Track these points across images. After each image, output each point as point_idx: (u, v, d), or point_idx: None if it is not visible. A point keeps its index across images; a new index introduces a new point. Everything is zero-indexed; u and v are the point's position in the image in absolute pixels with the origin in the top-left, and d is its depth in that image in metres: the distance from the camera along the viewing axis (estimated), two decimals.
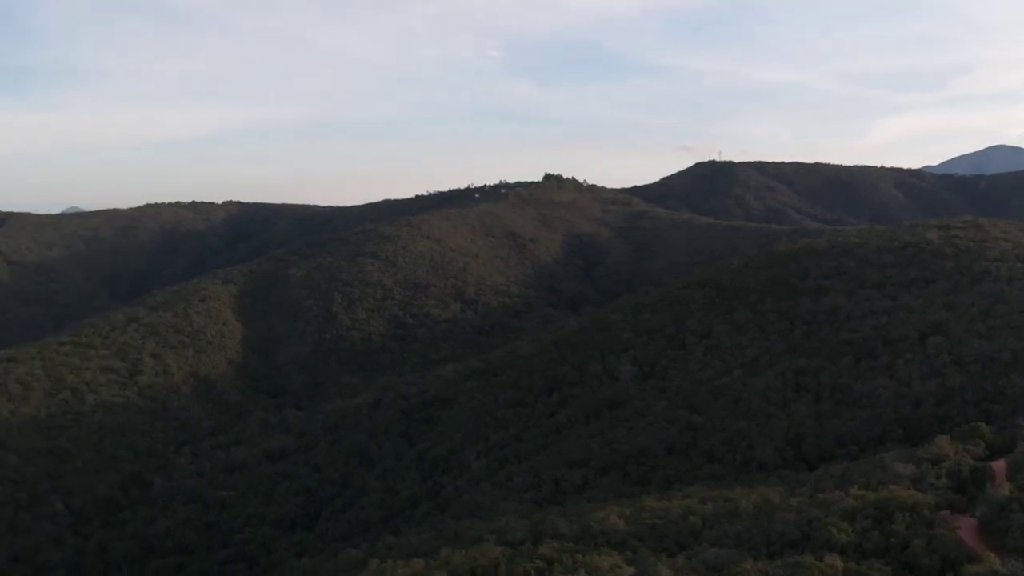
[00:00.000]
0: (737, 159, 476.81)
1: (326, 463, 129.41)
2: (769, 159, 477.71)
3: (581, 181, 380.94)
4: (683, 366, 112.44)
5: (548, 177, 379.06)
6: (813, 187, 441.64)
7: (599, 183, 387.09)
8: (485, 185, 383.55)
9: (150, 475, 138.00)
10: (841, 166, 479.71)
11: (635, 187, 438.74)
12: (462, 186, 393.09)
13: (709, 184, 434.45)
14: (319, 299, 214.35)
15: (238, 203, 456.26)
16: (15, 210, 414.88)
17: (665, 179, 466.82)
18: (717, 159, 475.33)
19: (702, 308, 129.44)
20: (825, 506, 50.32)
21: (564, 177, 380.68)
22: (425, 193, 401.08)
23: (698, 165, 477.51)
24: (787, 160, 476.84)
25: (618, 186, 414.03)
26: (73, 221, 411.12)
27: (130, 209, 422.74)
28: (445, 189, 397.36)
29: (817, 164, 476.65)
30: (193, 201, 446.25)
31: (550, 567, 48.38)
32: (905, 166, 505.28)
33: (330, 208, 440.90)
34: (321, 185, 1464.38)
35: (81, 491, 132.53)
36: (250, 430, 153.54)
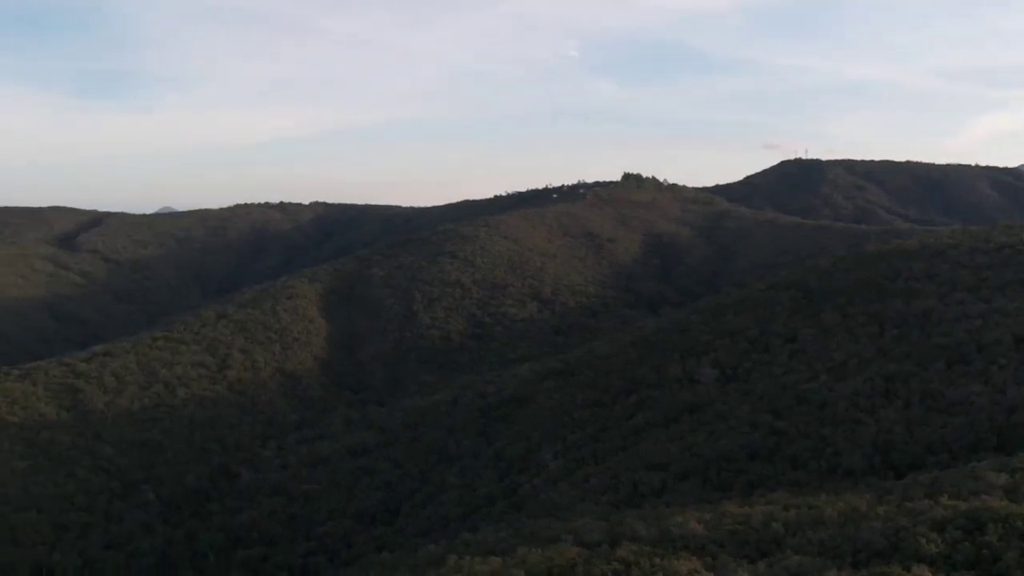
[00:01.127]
0: (824, 157, 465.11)
1: (406, 459, 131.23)
2: (858, 157, 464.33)
3: (661, 180, 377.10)
4: (767, 369, 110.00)
5: (627, 176, 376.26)
6: (904, 186, 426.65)
7: (680, 182, 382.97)
8: (563, 185, 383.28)
9: (237, 467, 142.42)
10: (933, 165, 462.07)
11: (717, 186, 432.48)
12: (540, 186, 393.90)
13: (795, 183, 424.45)
14: (400, 298, 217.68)
15: (324, 204, 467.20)
16: (112, 210, 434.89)
17: (749, 178, 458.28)
18: (804, 157, 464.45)
19: (787, 310, 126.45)
20: (914, 515, 48.69)
21: (644, 176, 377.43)
22: (503, 193, 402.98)
23: (784, 163, 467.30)
24: (877, 158, 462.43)
25: (700, 185, 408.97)
26: (166, 221, 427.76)
27: (221, 209, 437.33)
28: (523, 189, 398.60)
29: (908, 163, 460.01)
30: (281, 202, 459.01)
31: (628, 570, 48.07)
32: (1001, 164, 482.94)
33: (412, 208, 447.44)
34: (404, 186, 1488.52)
35: (172, 482, 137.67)
36: (333, 425, 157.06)
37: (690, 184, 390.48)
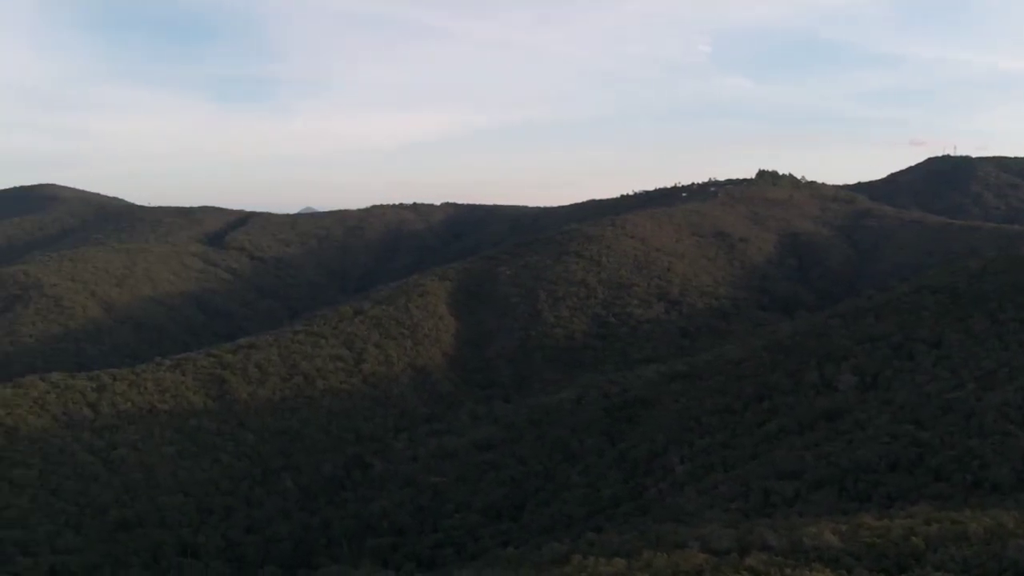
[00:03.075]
0: (975, 154, 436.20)
1: (531, 455, 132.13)
2: (1011, 154, 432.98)
3: (798, 177, 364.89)
4: (910, 377, 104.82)
5: (762, 174, 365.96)
6: None
7: (818, 180, 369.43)
8: (693, 183, 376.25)
9: (370, 458, 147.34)
10: None
11: (859, 184, 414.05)
12: (669, 185, 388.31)
13: (943, 181, 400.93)
14: (525, 296, 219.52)
15: (454, 204, 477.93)
16: (257, 210, 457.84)
17: (893, 175, 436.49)
18: (952, 154, 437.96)
19: (933, 315, 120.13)
20: None
21: (779, 174, 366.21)
22: (630, 193, 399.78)
23: (930, 160, 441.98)
24: None
25: (840, 183, 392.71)
26: (308, 221, 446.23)
27: (358, 210, 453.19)
28: (651, 188, 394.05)
29: None
30: (414, 203, 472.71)
31: None
32: None
33: (539, 208, 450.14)
34: (532, 186, 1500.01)
35: (309, 470, 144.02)
36: (461, 420, 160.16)
37: (830, 182, 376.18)
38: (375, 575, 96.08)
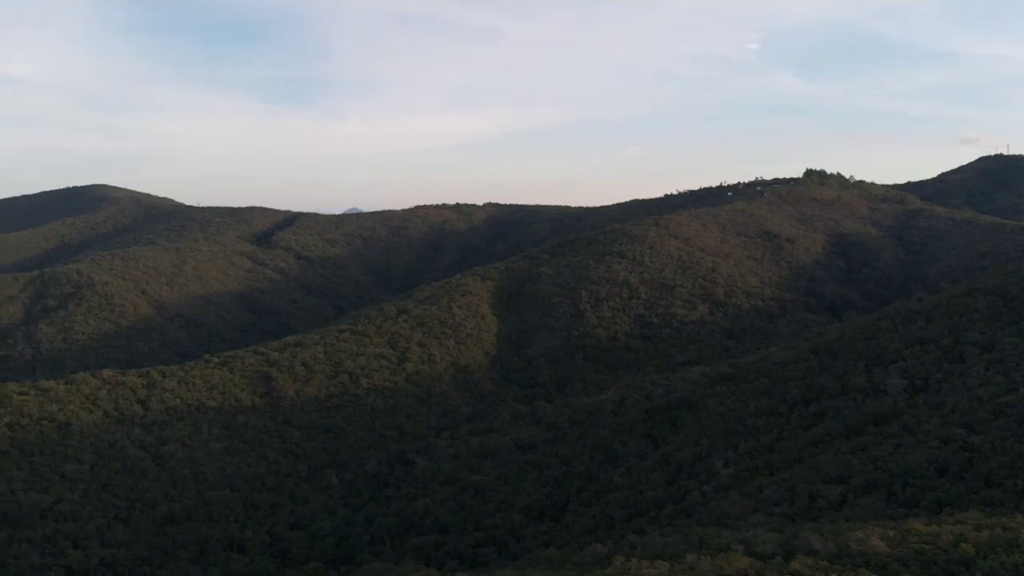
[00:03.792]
0: None
1: (572, 456, 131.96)
2: None
3: (847, 177, 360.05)
4: (961, 381, 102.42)
5: (809, 173, 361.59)
6: None
7: (867, 179, 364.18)
8: (739, 183, 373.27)
9: (413, 455, 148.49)
10: None
11: (909, 183, 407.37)
12: (714, 184, 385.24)
13: (995, 180, 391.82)
14: (567, 297, 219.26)
15: (496, 204, 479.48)
16: (304, 210, 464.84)
17: (944, 174, 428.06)
18: (1005, 152, 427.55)
19: (986, 318, 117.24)
20: None
21: (827, 173, 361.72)
22: (674, 192, 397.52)
23: (983, 159, 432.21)
24: None
25: (890, 182, 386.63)
26: (353, 221, 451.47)
27: (402, 210, 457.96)
28: (696, 188, 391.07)
29: None
30: (457, 203, 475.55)
31: None
32: None
33: (581, 208, 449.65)
34: (575, 186, 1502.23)
35: (353, 466, 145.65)
36: (502, 419, 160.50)
37: (879, 181, 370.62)
38: (417, 572, 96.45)
